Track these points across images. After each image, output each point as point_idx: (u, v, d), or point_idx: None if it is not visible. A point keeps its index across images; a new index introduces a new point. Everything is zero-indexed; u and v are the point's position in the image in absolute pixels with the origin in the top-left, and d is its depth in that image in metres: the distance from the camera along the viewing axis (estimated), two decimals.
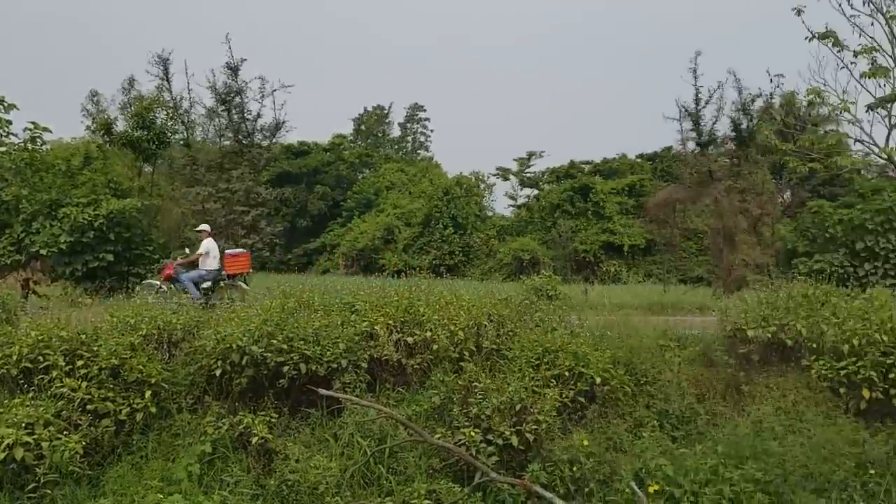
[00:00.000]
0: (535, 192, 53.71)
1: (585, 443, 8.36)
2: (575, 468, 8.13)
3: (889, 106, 23.85)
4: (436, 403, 9.01)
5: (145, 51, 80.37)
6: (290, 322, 9.44)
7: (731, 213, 20.73)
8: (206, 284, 15.48)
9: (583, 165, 51.35)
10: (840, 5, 23.95)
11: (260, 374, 9.00)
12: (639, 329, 11.11)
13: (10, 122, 18.44)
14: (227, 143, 34.85)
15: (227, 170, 31.59)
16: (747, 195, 22.02)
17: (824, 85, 24.56)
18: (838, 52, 24.18)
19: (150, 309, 10.35)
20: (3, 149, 18.67)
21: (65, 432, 8.02)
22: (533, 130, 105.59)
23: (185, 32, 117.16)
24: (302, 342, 9.11)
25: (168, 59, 32.89)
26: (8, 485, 7.69)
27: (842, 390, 9.26)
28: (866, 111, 24.24)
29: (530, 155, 55.59)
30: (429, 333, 9.63)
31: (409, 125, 72.37)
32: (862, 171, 30.06)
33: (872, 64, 23.85)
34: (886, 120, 24.15)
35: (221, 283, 15.71)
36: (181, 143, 33.04)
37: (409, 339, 9.64)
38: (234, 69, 33.75)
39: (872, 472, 8.21)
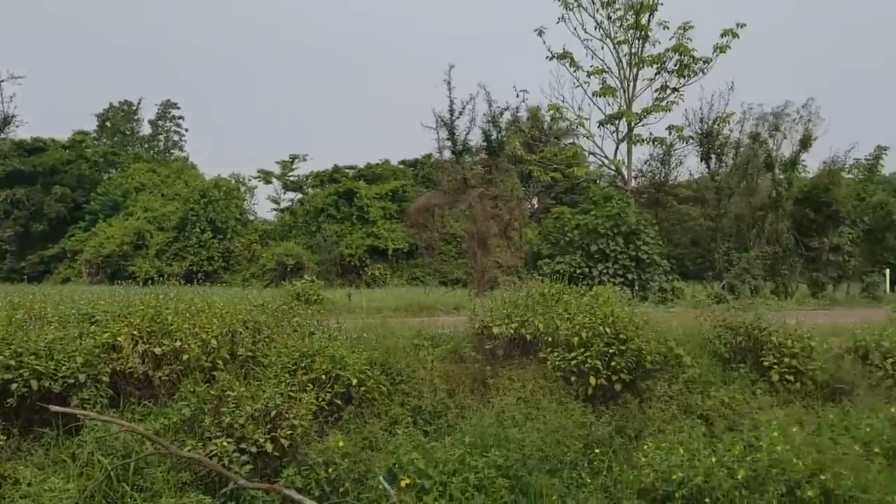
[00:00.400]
0: (300, 195, 53.26)
1: (341, 444, 8.43)
2: (331, 469, 8.17)
3: (616, 122, 27.08)
4: (186, 415, 8.59)
5: None
6: (18, 336, 8.53)
7: (483, 218, 22.06)
8: None
9: (347, 170, 51.83)
10: (576, 29, 26.93)
11: None
12: (395, 330, 11.44)
13: None
14: None
15: None
16: (499, 202, 23.53)
17: (563, 101, 27.38)
18: (574, 71, 27.09)
19: None
20: None
21: None
22: (294, 133, 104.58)
23: None
24: (33, 357, 8.29)
25: None
26: None
27: (573, 378, 10.24)
28: (598, 126, 27.40)
29: (293, 158, 55.05)
30: (178, 343, 9.16)
31: (160, 122, 68.21)
32: (597, 181, 33.64)
33: (603, 84, 26.96)
34: (614, 135, 27.40)
35: None
36: None
37: (157, 350, 9.09)
38: None
39: (598, 450, 9.18)
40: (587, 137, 27.87)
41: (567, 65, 26.86)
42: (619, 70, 27.05)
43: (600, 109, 27.21)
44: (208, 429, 8.33)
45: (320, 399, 8.90)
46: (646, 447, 9.04)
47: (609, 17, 26.59)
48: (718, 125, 26.88)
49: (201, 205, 41.65)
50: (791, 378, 11.18)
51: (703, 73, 26.52)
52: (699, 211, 28.04)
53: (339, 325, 11.31)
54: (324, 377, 9.22)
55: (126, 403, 8.86)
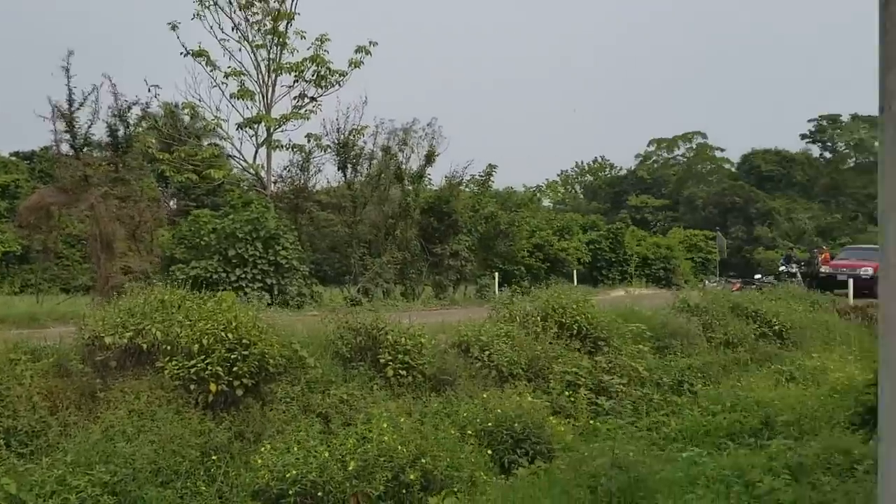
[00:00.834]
0: None
1: None
2: None
3: (255, 126, 27.00)
4: None
5: None
6: None
7: (108, 219, 20.30)
8: None
9: None
10: (212, 28, 26.25)
11: None
12: None
13: None
14: None
15: None
16: (128, 202, 21.90)
17: (199, 101, 26.51)
18: (211, 71, 26.39)
19: None
20: None
21: None
22: None
23: None
24: None
25: None
26: None
27: (192, 387, 9.95)
28: (237, 129, 27.04)
29: None
30: None
31: None
32: (240, 184, 33.18)
33: (241, 87, 26.68)
34: (254, 139, 27.30)
35: None
36: None
37: None
38: None
39: (215, 457, 9.09)
40: (226, 139, 27.39)
41: (204, 63, 26.10)
42: (257, 74, 27.00)
43: (239, 112, 26.93)
44: None
45: None
46: (263, 449, 9.18)
47: (247, 20, 26.36)
48: (354, 136, 28.17)
49: None
50: (404, 373, 12.19)
51: (340, 85, 27.65)
52: (338, 218, 29.13)
53: None
54: None
55: None
